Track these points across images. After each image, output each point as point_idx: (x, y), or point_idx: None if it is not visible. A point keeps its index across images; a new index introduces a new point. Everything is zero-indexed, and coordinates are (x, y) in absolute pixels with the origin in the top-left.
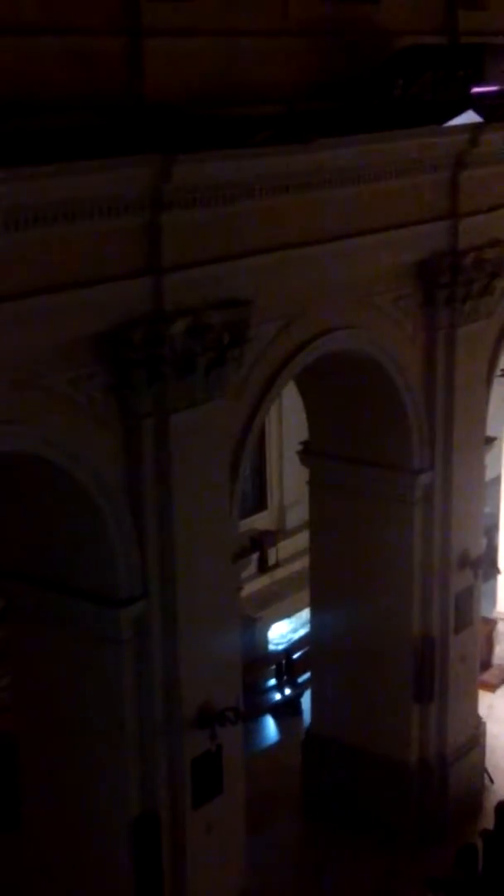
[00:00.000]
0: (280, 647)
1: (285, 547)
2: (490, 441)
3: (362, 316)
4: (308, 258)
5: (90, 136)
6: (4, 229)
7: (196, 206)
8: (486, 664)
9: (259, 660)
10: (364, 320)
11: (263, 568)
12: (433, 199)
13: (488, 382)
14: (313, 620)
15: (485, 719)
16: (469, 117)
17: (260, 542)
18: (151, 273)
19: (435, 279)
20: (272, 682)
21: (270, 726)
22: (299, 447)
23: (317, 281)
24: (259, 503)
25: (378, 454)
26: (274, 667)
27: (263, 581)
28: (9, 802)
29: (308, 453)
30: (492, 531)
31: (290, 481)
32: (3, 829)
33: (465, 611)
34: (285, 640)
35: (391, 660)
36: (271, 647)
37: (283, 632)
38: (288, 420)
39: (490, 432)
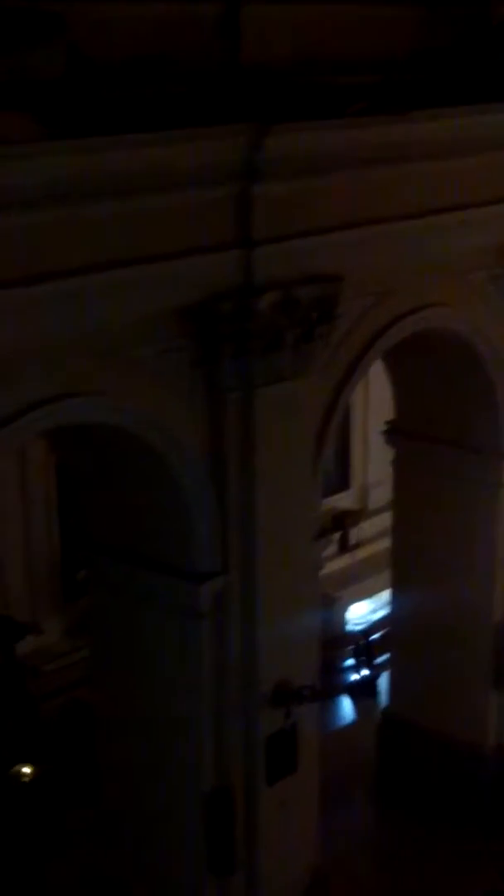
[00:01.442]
0: (359, 628)
1: (367, 527)
2: None
3: (454, 293)
4: (400, 233)
5: (183, 105)
6: (99, 198)
7: (288, 177)
8: None
9: (337, 639)
10: (455, 297)
11: (345, 548)
12: None
13: None
14: (393, 602)
15: None
16: None
17: (342, 522)
18: (241, 246)
19: None
20: (350, 662)
21: (347, 706)
22: (385, 427)
23: (409, 257)
24: (342, 483)
25: (465, 436)
26: (352, 647)
27: (344, 561)
28: (87, 775)
29: (393, 433)
30: None
31: (374, 461)
32: (82, 802)
33: None
34: (364, 620)
35: (471, 644)
36: (350, 627)
37: (363, 612)
38: (374, 399)
39: None
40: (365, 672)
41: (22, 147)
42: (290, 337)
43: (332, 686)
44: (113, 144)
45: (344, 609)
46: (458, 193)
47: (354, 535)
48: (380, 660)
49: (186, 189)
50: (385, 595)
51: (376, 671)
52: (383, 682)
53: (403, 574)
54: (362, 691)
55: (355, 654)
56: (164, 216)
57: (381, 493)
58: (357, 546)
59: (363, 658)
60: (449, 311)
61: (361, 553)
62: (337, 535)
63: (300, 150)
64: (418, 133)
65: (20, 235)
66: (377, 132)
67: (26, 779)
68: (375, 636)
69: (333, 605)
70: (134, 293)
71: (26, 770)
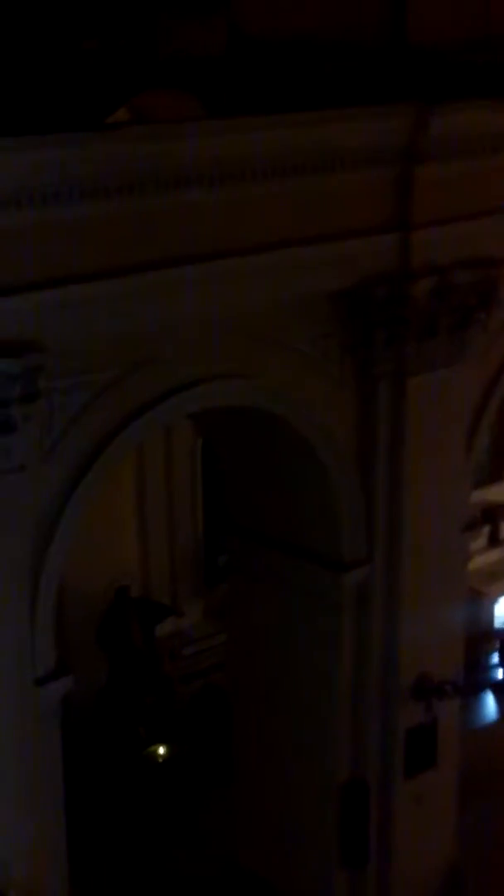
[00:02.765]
0: None
1: None
2: None
3: None
4: None
5: (347, 84)
6: (258, 178)
7: (450, 159)
8: None
9: (483, 636)
10: None
11: (494, 541)
12: None
13: None
14: None
15: None
16: None
17: (492, 515)
18: (399, 229)
19: None
20: (495, 659)
21: (490, 704)
22: None
23: None
24: (494, 475)
25: None
26: (498, 645)
27: (494, 555)
28: (223, 758)
29: None
30: None
31: None
32: (216, 784)
33: None
34: None
35: None
36: (497, 623)
37: None
38: None
39: None
40: None
41: (187, 125)
42: (446, 323)
43: (475, 683)
44: (274, 124)
45: (492, 605)
46: None
47: None
48: None
49: (347, 170)
50: None
51: None
52: None
53: None
54: None
55: (501, 652)
56: (323, 197)
57: None
58: None
59: None
60: None
61: None
62: (487, 529)
63: (464, 130)
64: None
65: (178, 215)
66: None
67: (161, 759)
68: None
69: (481, 601)
70: (289, 276)
71: (161, 750)
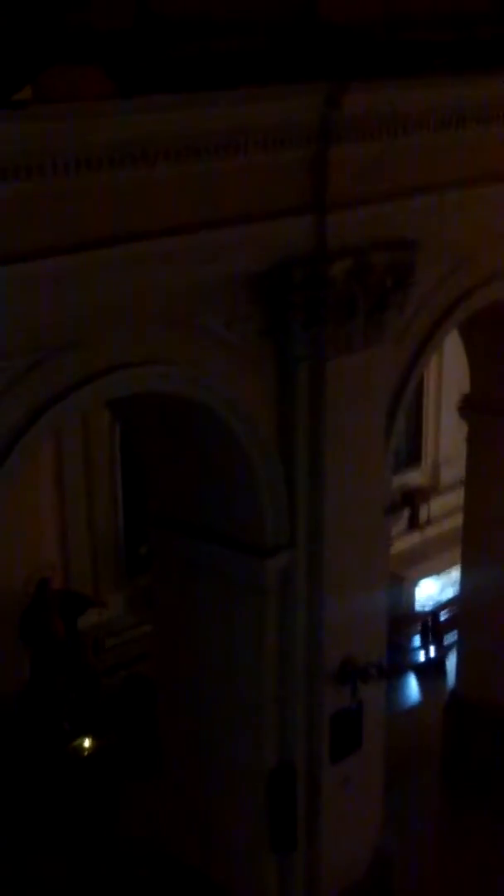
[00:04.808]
0: (427, 607)
1: (438, 504)
2: None
3: None
4: (479, 198)
5: (257, 63)
6: (170, 159)
7: (365, 139)
8: None
9: (405, 618)
10: None
11: (414, 525)
12: None
13: None
14: (463, 581)
15: None
16: None
17: (412, 499)
18: (315, 210)
19: None
20: (417, 641)
21: (413, 686)
22: (459, 401)
23: (488, 223)
24: (413, 459)
25: None
26: (420, 627)
27: (413, 539)
28: (147, 749)
29: (468, 407)
30: None
31: (446, 437)
32: (142, 775)
33: None
34: (433, 599)
35: None
36: (418, 606)
37: (431, 591)
38: (448, 372)
39: None
40: (433, 651)
41: (94, 105)
42: (363, 305)
43: (399, 665)
44: (184, 103)
45: (412, 588)
46: None
47: (424, 512)
48: (448, 639)
49: (260, 151)
50: (454, 574)
51: (444, 651)
52: (451, 661)
53: (475, 552)
54: (430, 671)
55: (423, 634)
56: (236, 179)
57: (454, 470)
58: (427, 524)
59: (431, 638)
60: None
61: (431, 531)
62: (406, 513)
63: (378, 109)
64: (501, 93)
65: (86, 197)
66: (459, 91)
67: (87, 752)
68: (444, 615)
69: (402, 584)
70: (203, 259)
71: (87, 743)
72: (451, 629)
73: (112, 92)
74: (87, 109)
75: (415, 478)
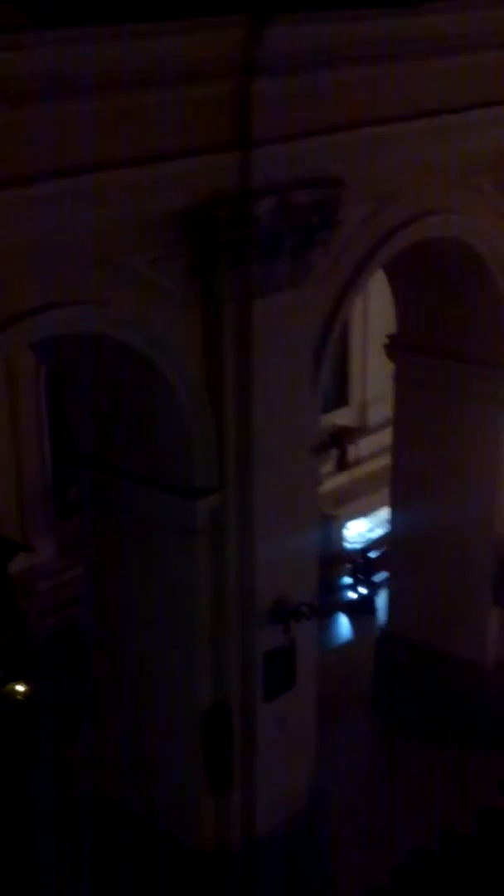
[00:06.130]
0: (356, 546)
1: (366, 444)
2: None
3: (459, 199)
4: (404, 135)
5: None
6: (82, 95)
7: (289, 73)
8: None
9: (335, 558)
10: (461, 204)
11: (343, 465)
12: None
13: None
14: (392, 520)
15: None
16: None
17: (340, 439)
18: (239, 147)
19: None
20: (348, 580)
21: (344, 624)
22: (385, 341)
23: (413, 160)
24: (341, 399)
25: (469, 349)
26: (350, 565)
27: (342, 479)
28: (81, 693)
29: (394, 347)
30: None
31: (373, 377)
32: (79, 719)
33: None
34: (362, 539)
35: (470, 562)
36: (347, 545)
37: (361, 530)
38: (374, 312)
39: None
40: (363, 590)
41: (11, 37)
42: (289, 244)
43: (330, 604)
44: (103, 36)
45: (342, 527)
46: (465, 93)
47: (353, 452)
48: (378, 578)
49: (181, 85)
50: (383, 513)
51: (374, 589)
52: (381, 599)
53: (403, 492)
54: (360, 609)
55: (353, 573)
56: (158, 114)
57: (381, 410)
58: (355, 464)
59: (361, 576)
60: (454, 218)
61: (360, 471)
62: (335, 453)
63: (301, 43)
64: (426, 27)
65: (8, 133)
66: (382, 25)
67: (20, 697)
68: (373, 554)
69: (331, 524)
70: (127, 196)
71: (20, 688)
72: (381, 568)
73: (30, 25)
74: (4, 42)
75: (343, 418)
